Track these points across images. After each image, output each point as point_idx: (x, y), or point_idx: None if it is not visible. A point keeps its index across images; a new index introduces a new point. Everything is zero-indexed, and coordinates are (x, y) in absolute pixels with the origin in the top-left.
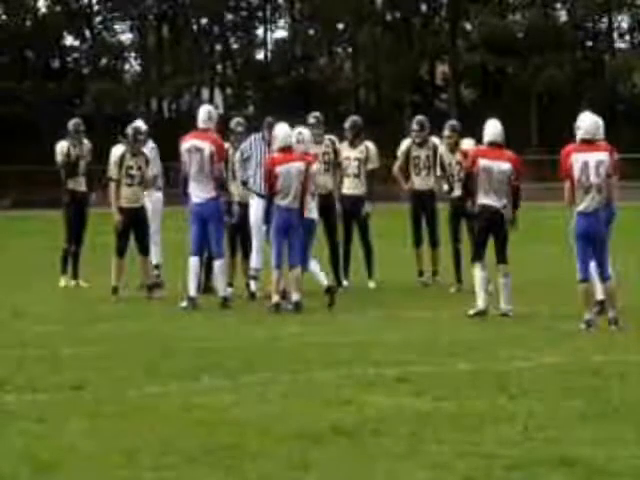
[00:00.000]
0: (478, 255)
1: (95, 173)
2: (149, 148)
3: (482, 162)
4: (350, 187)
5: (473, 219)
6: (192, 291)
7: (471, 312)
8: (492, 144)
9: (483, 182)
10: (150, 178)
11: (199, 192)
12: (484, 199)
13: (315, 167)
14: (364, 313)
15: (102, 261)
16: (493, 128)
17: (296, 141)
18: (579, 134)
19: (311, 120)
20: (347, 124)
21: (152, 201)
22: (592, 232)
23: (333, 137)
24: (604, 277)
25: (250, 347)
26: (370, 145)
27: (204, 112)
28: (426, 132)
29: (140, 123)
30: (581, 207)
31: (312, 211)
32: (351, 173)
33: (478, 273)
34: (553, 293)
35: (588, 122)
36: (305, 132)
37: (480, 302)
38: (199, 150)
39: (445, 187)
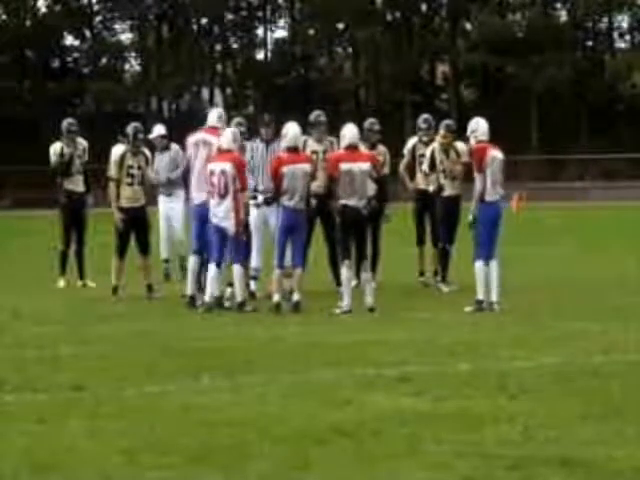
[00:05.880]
0: (346, 254)
1: (92, 173)
2: (174, 151)
3: (343, 166)
4: None
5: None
6: (189, 290)
7: (337, 311)
8: (349, 147)
9: (345, 185)
10: (150, 178)
11: (200, 192)
12: (346, 200)
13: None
14: (364, 313)
15: (102, 261)
16: (349, 132)
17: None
18: (479, 136)
19: (321, 118)
20: (366, 125)
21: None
22: (498, 218)
23: (333, 139)
24: (494, 256)
25: (250, 347)
26: (382, 149)
27: (215, 112)
28: (432, 130)
29: (160, 127)
30: (493, 197)
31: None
32: None
33: (345, 273)
34: (553, 293)
35: (483, 126)
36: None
37: (346, 302)
38: (207, 144)
39: (431, 187)
